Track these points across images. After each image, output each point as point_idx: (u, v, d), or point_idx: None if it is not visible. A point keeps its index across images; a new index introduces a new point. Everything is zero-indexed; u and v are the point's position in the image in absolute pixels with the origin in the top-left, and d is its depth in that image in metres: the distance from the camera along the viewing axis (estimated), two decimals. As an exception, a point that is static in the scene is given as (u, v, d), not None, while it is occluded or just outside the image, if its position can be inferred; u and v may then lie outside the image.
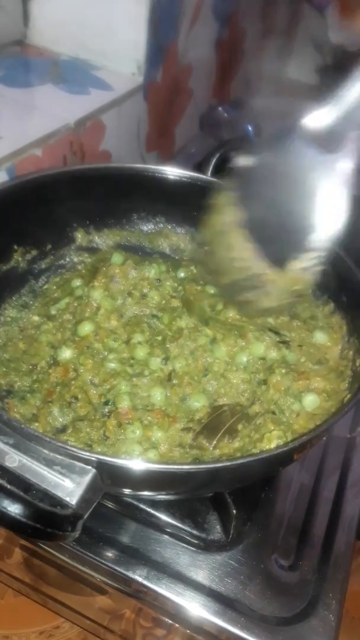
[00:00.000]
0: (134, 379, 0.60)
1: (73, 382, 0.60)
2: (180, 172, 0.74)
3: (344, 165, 0.47)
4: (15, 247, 0.70)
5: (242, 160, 0.52)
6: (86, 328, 0.64)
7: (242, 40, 1.43)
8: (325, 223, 0.49)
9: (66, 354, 0.62)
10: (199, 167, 0.78)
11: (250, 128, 1.12)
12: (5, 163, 0.74)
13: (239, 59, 1.47)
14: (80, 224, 0.77)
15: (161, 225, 0.80)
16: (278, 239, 0.51)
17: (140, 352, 0.62)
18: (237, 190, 0.53)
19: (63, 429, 0.56)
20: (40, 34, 1.02)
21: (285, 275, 0.51)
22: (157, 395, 0.58)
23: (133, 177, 0.74)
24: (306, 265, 0.50)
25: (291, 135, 0.49)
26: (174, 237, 0.80)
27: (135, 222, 0.80)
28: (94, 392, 0.60)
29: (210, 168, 0.76)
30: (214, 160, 0.76)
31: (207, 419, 0.56)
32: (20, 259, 0.71)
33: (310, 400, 0.58)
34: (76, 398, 0.58)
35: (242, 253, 0.53)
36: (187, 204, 0.77)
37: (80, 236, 0.77)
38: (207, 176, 0.75)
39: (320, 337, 0.66)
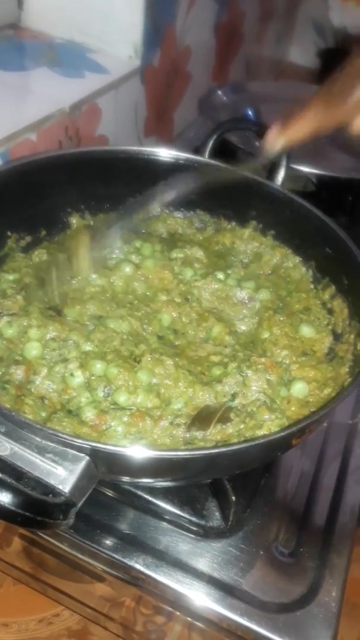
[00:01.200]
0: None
1: (34, 384, 0.55)
2: (175, 154, 0.72)
3: None
4: (9, 233, 0.69)
5: None
6: (33, 352, 0.57)
7: (241, 22, 1.41)
8: None
9: (31, 352, 0.56)
10: (198, 151, 0.77)
11: (249, 112, 1.10)
12: (0, 147, 0.73)
13: (238, 41, 1.44)
14: (75, 208, 0.75)
15: (158, 209, 0.79)
16: None
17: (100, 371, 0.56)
18: None
19: (47, 419, 0.53)
20: (34, 17, 1.00)
21: None
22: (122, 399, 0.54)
23: (128, 160, 0.72)
24: None
25: None
26: (171, 222, 0.79)
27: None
28: (56, 399, 0.54)
29: (208, 150, 0.74)
30: (211, 142, 0.74)
31: (195, 412, 0.54)
32: (14, 245, 0.70)
33: (299, 388, 0.57)
34: (44, 397, 0.54)
35: None
36: (184, 187, 0.75)
37: (75, 221, 0.76)
38: (205, 158, 0.74)
39: (306, 330, 0.64)
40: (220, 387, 0.56)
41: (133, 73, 0.98)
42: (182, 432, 0.53)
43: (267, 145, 0.59)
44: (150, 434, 0.52)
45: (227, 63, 1.43)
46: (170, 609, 0.59)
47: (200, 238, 0.79)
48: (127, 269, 0.65)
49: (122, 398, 0.54)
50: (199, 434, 0.53)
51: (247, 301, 0.69)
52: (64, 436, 0.41)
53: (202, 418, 0.54)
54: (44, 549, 0.62)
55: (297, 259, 0.73)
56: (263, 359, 0.59)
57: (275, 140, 0.58)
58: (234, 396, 0.56)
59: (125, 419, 0.52)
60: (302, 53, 1.98)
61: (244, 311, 0.68)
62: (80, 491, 0.41)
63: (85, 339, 0.58)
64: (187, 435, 0.53)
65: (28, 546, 0.64)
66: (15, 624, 0.67)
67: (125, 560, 0.54)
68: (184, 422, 0.54)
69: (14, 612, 0.68)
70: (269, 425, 0.51)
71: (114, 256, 0.68)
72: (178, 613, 0.59)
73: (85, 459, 0.42)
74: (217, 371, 0.58)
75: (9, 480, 0.39)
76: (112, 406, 0.53)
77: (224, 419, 0.53)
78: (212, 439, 0.52)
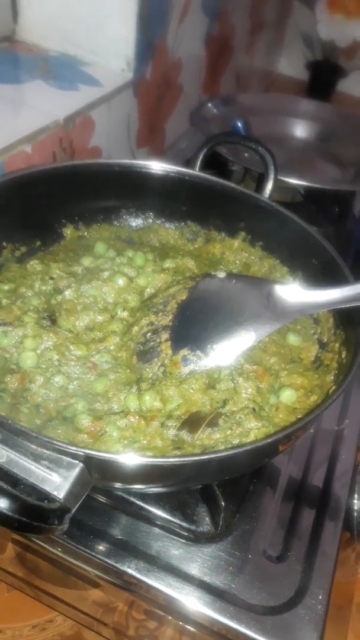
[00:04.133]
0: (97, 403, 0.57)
1: (29, 393, 0.56)
2: (167, 167, 0.74)
3: (269, 327, 0.60)
4: (4, 244, 0.70)
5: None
6: (28, 362, 0.58)
7: (232, 35, 1.44)
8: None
9: (27, 362, 0.58)
10: (189, 163, 0.79)
11: (239, 124, 1.12)
12: (-6, 160, 0.74)
13: (228, 54, 1.47)
14: (69, 220, 0.77)
15: (150, 220, 0.81)
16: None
17: (100, 385, 0.58)
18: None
19: (42, 427, 0.54)
20: (29, 30, 1.02)
21: None
22: (129, 402, 0.57)
23: (121, 173, 0.74)
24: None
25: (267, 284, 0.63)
26: (163, 232, 0.81)
27: (124, 218, 0.80)
28: (52, 406, 0.56)
29: (198, 163, 0.76)
30: (201, 155, 0.76)
31: (186, 415, 0.56)
32: (9, 255, 0.71)
33: (288, 395, 0.59)
34: (39, 405, 0.56)
35: None
36: (176, 199, 0.77)
37: (69, 232, 0.77)
38: (195, 171, 0.76)
39: (293, 339, 0.66)
40: (215, 393, 0.58)
41: (126, 86, 1.00)
42: (171, 434, 0.55)
43: (326, 28, 0.56)
44: (143, 436, 0.54)
45: (218, 75, 1.46)
46: (161, 613, 0.60)
47: (191, 248, 0.80)
48: (120, 281, 0.67)
49: (130, 403, 0.56)
50: (187, 437, 0.54)
51: None
52: (59, 443, 0.42)
53: (192, 422, 0.56)
54: (37, 554, 0.63)
55: (285, 269, 0.75)
56: (255, 367, 0.60)
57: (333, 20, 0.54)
58: (225, 402, 0.58)
59: (119, 423, 0.54)
60: (291, 65, 2.02)
61: None
62: (75, 497, 0.43)
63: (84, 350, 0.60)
64: (176, 438, 0.54)
65: (22, 552, 0.65)
66: (9, 629, 0.68)
67: (118, 565, 0.55)
68: (174, 424, 0.55)
69: (8, 618, 0.69)
70: (255, 434, 0.53)
71: (107, 267, 0.69)
72: (169, 617, 0.60)
73: (79, 466, 0.43)
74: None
75: (5, 487, 0.40)
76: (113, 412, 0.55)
77: (213, 424, 0.55)
78: (200, 444, 0.54)
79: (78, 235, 0.78)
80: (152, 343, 0.61)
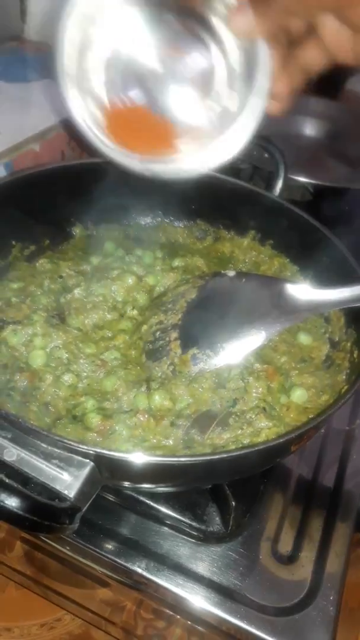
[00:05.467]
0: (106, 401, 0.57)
1: (39, 391, 0.56)
2: (176, 165, 0.73)
3: (280, 326, 0.59)
4: (14, 242, 0.70)
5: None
6: (38, 360, 0.58)
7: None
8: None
9: (37, 361, 0.58)
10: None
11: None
12: (3, 158, 0.74)
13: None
14: (78, 219, 0.77)
15: (159, 219, 0.81)
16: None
17: (109, 383, 0.58)
18: None
19: (52, 425, 0.54)
20: (37, 29, 1.02)
21: None
22: (139, 402, 0.56)
23: (130, 171, 0.74)
24: None
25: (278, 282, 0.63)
26: (172, 231, 0.80)
27: (133, 217, 0.80)
28: (62, 404, 0.56)
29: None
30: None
31: (196, 415, 0.56)
32: (19, 254, 0.71)
33: (299, 395, 0.58)
34: (48, 403, 0.56)
35: None
36: (185, 198, 0.77)
37: (78, 231, 0.77)
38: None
39: (304, 338, 0.66)
40: (225, 392, 0.58)
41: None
42: (182, 433, 0.54)
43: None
44: (153, 435, 0.54)
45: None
46: (170, 612, 0.60)
47: (201, 247, 0.80)
48: (129, 280, 0.67)
49: (139, 402, 0.56)
50: (197, 436, 0.54)
51: None
52: (70, 442, 0.42)
53: (202, 421, 0.55)
54: (46, 553, 0.63)
55: (295, 268, 0.74)
56: (265, 366, 0.60)
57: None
58: (235, 402, 0.57)
59: (129, 422, 0.53)
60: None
61: None
62: (85, 496, 0.42)
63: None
64: (186, 437, 0.54)
65: (30, 551, 0.65)
66: (18, 628, 0.68)
67: (127, 564, 0.55)
68: (184, 423, 0.55)
69: (16, 616, 0.69)
70: (267, 433, 0.53)
71: (116, 265, 0.69)
72: (178, 616, 0.60)
73: (89, 465, 0.43)
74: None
75: (15, 485, 0.40)
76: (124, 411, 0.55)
77: (223, 423, 0.55)
78: (210, 443, 0.53)
79: (87, 234, 0.78)
80: (161, 342, 0.61)
